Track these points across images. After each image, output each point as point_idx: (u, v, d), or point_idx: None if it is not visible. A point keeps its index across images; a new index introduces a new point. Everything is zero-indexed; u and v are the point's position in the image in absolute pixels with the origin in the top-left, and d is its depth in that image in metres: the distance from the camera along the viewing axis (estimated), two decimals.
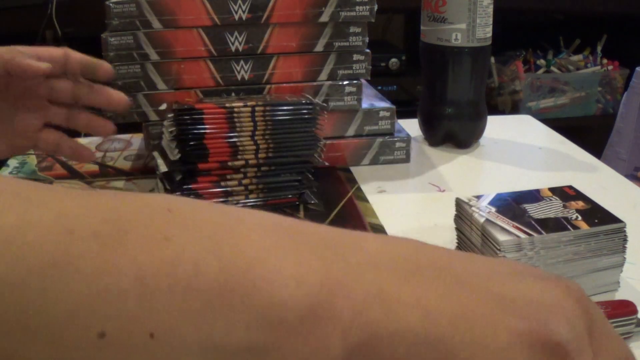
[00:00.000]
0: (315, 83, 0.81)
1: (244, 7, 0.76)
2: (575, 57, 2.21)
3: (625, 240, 0.55)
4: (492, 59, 2.15)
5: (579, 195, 0.59)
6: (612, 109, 2.15)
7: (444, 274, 0.28)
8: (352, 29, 0.79)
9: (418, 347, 0.26)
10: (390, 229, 0.68)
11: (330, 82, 0.81)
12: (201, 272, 0.25)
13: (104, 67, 0.69)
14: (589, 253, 0.54)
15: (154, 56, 0.77)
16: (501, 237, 0.52)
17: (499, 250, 0.52)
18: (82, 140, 0.96)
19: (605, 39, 2.19)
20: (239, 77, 0.79)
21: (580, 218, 0.55)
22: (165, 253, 0.25)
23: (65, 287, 0.24)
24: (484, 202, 0.58)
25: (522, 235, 0.52)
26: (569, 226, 0.53)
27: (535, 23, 2.31)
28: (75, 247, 0.24)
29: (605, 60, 2.18)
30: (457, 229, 0.59)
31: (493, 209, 0.56)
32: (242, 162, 0.70)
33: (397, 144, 0.84)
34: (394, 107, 0.84)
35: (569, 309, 0.27)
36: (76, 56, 0.68)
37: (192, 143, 0.68)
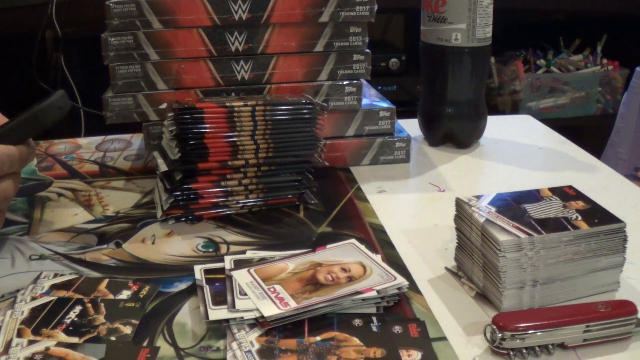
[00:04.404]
0: (315, 83, 0.81)
1: (244, 7, 0.76)
2: (575, 57, 2.21)
3: (625, 240, 0.55)
4: (492, 59, 2.15)
5: (579, 195, 0.59)
6: (612, 109, 2.14)
7: None
8: (352, 29, 0.79)
9: None
10: (390, 229, 0.68)
11: (330, 82, 0.81)
12: None
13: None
14: (589, 253, 0.54)
15: (154, 56, 0.77)
16: (501, 237, 0.52)
17: (499, 250, 0.52)
18: (82, 141, 0.96)
19: (605, 39, 2.19)
20: (239, 77, 0.79)
21: (580, 218, 0.55)
22: None
23: None
24: (484, 202, 0.58)
25: (522, 235, 0.52)
26: (569, 226, 0.53)
27: (535, 23, 2.31)
28: None
29: (605, 60, 2.18)
30: (457, 229, 0.59)
31: (493, 209, 0.56)
32: (242, 162, 0.70)
33: (397, 144, 0.84)
34: (394, 107, 0.84)
35: None
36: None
37: (192, 142, 0.68)
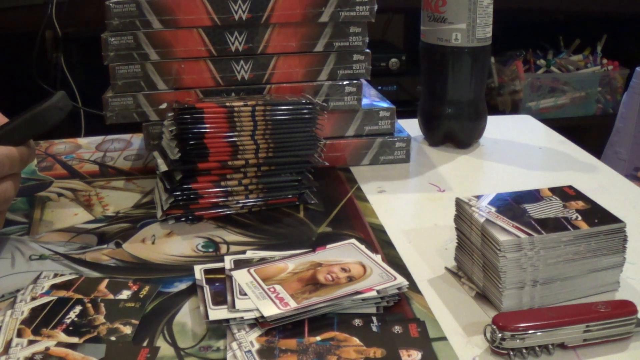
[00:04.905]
0: (315, 83, 0.81)
1: (244, 7, 0.76)
2: (575, 57, 2.21)
3: (625, 240, 0.55)
4: (492, 59, 2.15)
5: (579, 195, 0.59)
6: (612, 109, 2.15)
7: None
8: (352, 29, 0.79)
9: None
10: (390, 229, 0.68)
11: (330, 82, 0.81)
12: None
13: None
14: (589, 253, 0.54)
15: (154, 56, 0.77)
16: (501, 237, 0.52)
17: (499, 250, 0.52)
18: (82, 141, 0.96)
19: (605, 39, 2.19)
20: (239, 77, 0.79)
21: (580, 218, 0.55)
22: None
23: None
24: (484, 202, 0.58)
25: (522, 235, 0.52)
26: (569, 226, 0.53)
27: (535, 23, 2.31)
28: None
29: (605, 60, 2.18)
30: (457, 229, 0.59)
31: (493, 209, 0.56)
32: (242, 162, 0.70)
33: (397, 144, 0.84)
34: (394, 107, 0.84)
35: None
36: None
37: (192, 142, 0.68)
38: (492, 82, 2.17)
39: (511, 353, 0.48)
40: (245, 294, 0.53)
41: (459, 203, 0.59)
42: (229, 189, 0.70)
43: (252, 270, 0.57)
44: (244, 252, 0.63)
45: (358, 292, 0.53)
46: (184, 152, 0.68)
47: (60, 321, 0.52)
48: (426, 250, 0.64)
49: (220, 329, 0.51)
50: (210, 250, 0.64)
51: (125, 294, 0.56)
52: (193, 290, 0.57)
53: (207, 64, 0.78)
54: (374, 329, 0.51)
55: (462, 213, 0.58)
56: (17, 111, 0.64)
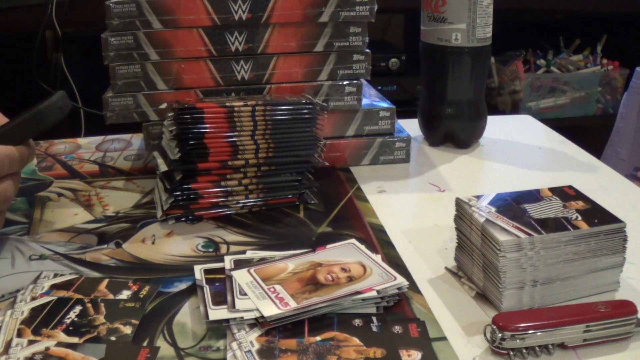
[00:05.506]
0: (315, 83, 0.81)
1: (244, 7, 0.76)
2: (575, 57, 2.21)
3: (625, 240, 0.55)
4: (492, 59, 2.15)
5: (579, 195, 0.59)
6: (612, 109, 2.14)
7: None
8: (352, 29, 0.79)
9: None
10: (390, 229, 0.68)
11: (330, 82, 0.81)
12: None
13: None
14: (589, 253, 0.54)
15: (154, 56, 0.77)
16: (501, 237, 0.52)
17: (499, 250, 0.52)
18: (82, 141, 0.96)
19: (605, 39, 2.19)
20: (239, 77, 0.79)
21: (580, 218, 0.55)
22: None
23: None
24: (484, 202, 0.58)
25: (522, 235, 0.52)
26: (569, 226, 0.53)
27: (535, 23, 2.31)
28: None
29: (605, 60, 2.18)
30: (457, 229, 0.59)
31: (493, 209, 0.56)
32: (242, 162, 0.70)
33: (397, 144, 0.84)
34: (394, 107, 0.84)
35: None
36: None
37: (192, 142, 0.68)
38: (492, 82, 2.17)
39: (511, 353, 0.48)
40: (245, 294, 0.53)
41: (459, 203, 0.59)
42: (229, 189, 0.70)
43: (252, 270, 0.57)
44: (244, 252, 0.63)
45: (358, 292, 0.53)
46: (184, 152, 0.68)
47: (60, 321, 0.52)
48: (426, 250, 0.64)
49: (220, 329, 0.51)
50: (210, 250, 0.64)
51: (125, 294, 0.56)
52: (193, 290, 0.57)
53: (207, 64, 0.78)
54: (374, 329, 0.51)
55: (462, 213, 0.58)
56: (17, 111, 0.64)
